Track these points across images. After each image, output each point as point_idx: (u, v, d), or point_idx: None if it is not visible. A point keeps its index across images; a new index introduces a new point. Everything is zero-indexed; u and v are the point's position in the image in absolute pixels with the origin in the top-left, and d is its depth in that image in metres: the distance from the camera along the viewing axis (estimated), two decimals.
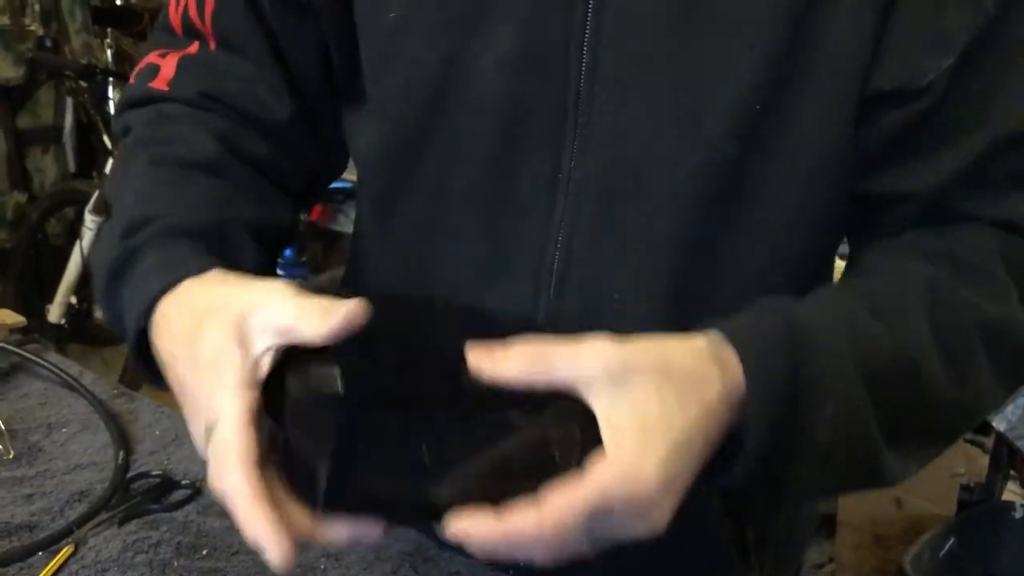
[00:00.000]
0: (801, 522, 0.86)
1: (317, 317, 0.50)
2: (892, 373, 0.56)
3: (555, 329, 0.66)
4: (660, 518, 0.51)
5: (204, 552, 0.77)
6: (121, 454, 0.89)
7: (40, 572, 0.72)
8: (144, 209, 0.63)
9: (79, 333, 2.80)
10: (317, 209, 2.52)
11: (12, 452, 0.89)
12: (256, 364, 0.52)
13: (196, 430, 0.55)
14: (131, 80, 0.76)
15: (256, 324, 0.52)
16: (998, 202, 0.63)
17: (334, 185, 0.85)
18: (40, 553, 0.75)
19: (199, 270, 0.58)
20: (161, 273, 0.59)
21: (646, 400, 0.50)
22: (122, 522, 0.80)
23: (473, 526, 0.48)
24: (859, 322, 0.57)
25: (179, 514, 0.82)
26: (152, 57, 0.76)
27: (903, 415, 0.57)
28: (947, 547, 1.74)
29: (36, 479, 0.85)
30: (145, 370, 0.62)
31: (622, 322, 0.66)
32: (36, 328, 1.57)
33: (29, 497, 0.82)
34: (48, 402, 1.00)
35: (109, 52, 3.01)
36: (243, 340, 0.52)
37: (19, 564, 0.73)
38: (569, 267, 0.67)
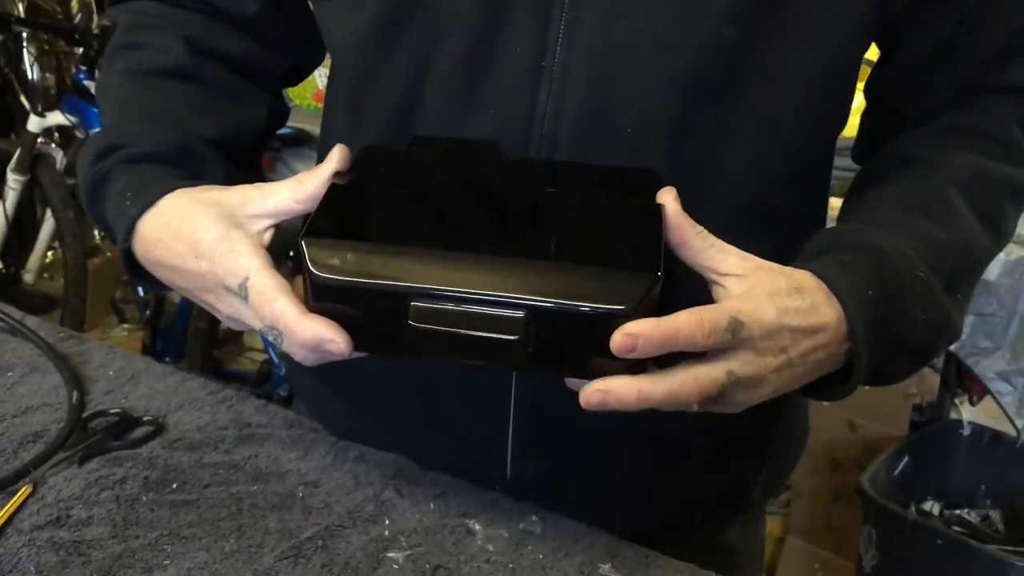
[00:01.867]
0: (803, 413, 0.86)
1: (299, 183, 0.56)
2: (953, 259, 0.63)
3: None
4: (770, 383, 0.55)
5: (174, 486, 0.73)
6: (75, 394, 0.84)
7: None
8: (114, 132, 0.67)
9: (7, 299, 2.68)
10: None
11: None
12: (260, 238, 0.58)
13: (220, 300, 0.60)
14: None
15: (249, 212, 0.59)
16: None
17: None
18: None
19: (167, 190, 0.63)
20: (135, 196, 0.63)
21: (784, 293, 0.55)
22: (83, 460, 0.75)
23: (639, 326, 0.50)
24: (920, 233, 0.62)
25: (143, 450, 0.77)
26: None
27: (965, 284, 0.65)
28: (900, 467, 1.77)
29: None
30: (139, 278, 0.68)
31: None
32: None
33: None
34: None
35: (21, 4, 2.86)
36: (240, 225, 0.58)
37: None
38: (553, 155, 0.64)
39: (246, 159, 0.74)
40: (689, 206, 0.61)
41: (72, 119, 2.50)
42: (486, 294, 0.50)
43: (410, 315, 0.51)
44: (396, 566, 0.65)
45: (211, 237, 0.58)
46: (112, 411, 0.82)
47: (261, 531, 0.68)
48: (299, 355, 0.56)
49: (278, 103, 0.79)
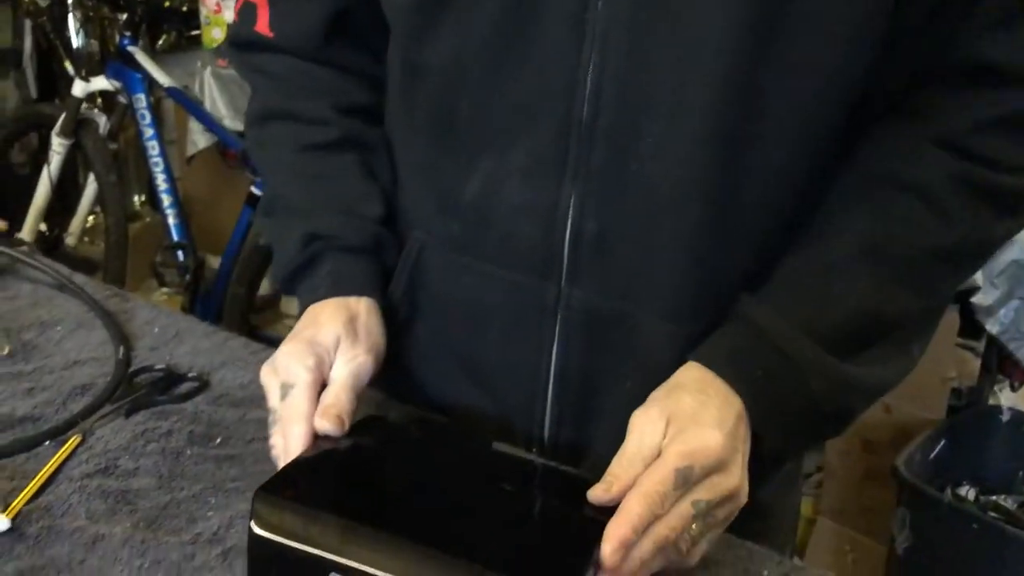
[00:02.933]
0: None
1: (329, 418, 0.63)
2: (853, 325, 0.65)
3: (587, 173, 0.66)
4: (740, 476, 0.59)
5: (218, 441, 0.74)
6: (121, 349, 0.85)
7: (48, 462, 0.69)
8: (315, 218, 0.76)
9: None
10: None
11: (7, 348, 0.85)
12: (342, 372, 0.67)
13: (270, 382, 0.67)
14: (235, 18, 0.82)
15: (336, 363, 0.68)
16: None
17: None
18: (47, 443, 0.71)
19: (356, 294, 0.73)
20: (335, 284, 0.73)
21: (693, 406, 0.61)
22: (129, 413, 0.77)
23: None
24: (812, 303, 0.66)
25: (188, 405, 0.79)
26: None
27: (886, 342, 0.66)
28: (937, 450, 1.75)
29: (34, 374, 0.82)
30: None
31: (652, 166, 0.64)
32: None
33: (29, 391, 0.79)
34: (39, 303, 0.96)
35: None
36: (342, 353, 0.68)
37: (27, 454, 0.70)
38: (598, 111, 0.64)
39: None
40: (730, 164, 0.64)
41: (116, 84, 2.52)
42: None
43: None
44: None
45: (318, 339, 0.68)
46: (157, 367, 0.83)
47: None
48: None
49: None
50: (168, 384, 0.81)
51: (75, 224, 2.75)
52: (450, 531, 0.56)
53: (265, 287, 2.53)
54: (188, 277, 2.46)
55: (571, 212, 0.67)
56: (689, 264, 0.67)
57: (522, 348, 0.72)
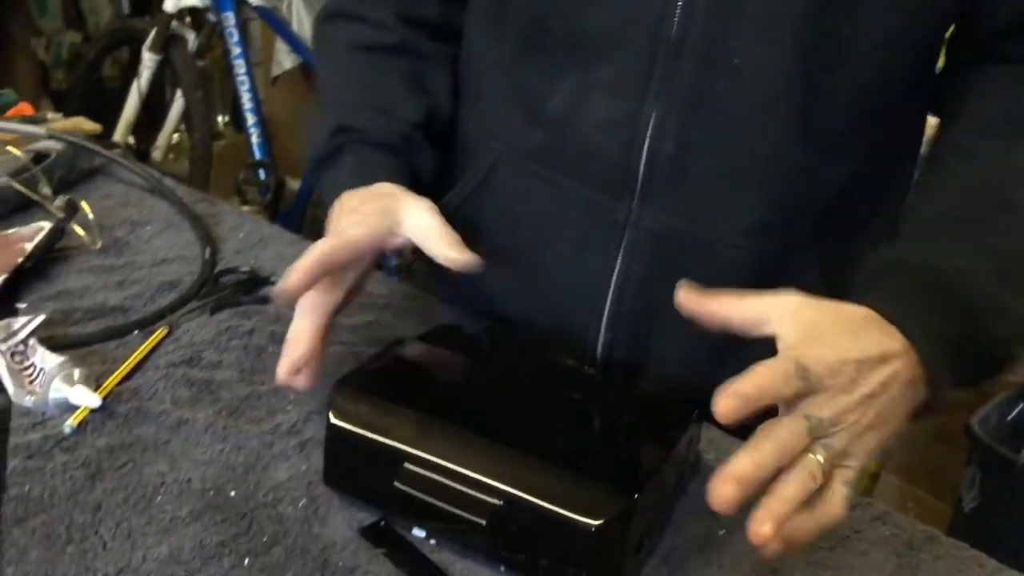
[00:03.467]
0: None
1: (444, 244, 0.65)
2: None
3: (670, 92, 0.65)
4: (864, 426, 0.52)
5: None
6: (208, 250, 0.88)
7: (136, 349, 0.71)
8: (348, 113, 0.77)
9: None
10: None
11: (99, 243, 0.88)
12: (382, 235, 0.66)
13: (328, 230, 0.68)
14: None
15: (402, 216, 0.67)
16: None
17: None
18: (136, 332, 0.74)
19: (380, 180, 0.71)
20: (357, 174, 0.73)
21: (837, 330, 0.54)
22: (214, 310, 0.79)
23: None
24: (980, 243, 0.61)
25: (270, 307, 0.81)
26: None
27: None
28: (1016, 412, 1.71)
29: (125, 269, 0.85)
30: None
31: (737, 85, 0.64)
32: None
33: (120, 284, 0.82)
34: (130, 203, 0.99)
35: None
36: (387, 216, 0.67)
37: (117, 341, 0.73)
38: (687, 29, 0.63)
39: (444, 138, 0.81)
40: (815, 84, 0.63)
41: (205, 1, 2.55)
42: (469, 474, 0.53)
43: (399, 476, 0.55)
44: None
45: (361, 207, 0.68)
46: (242, 269, 0.85)
47: None
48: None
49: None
50: (252, 286, 0.83)
51: (161, 139, 2.81)
52: (520, 430, 0.57)
53: None
54: (269, 196, 2.50)
55: (650, 131, 0.67)
56: (766, 185, 0.67)
57: (585, 264, 0.73)
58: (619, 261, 0.71)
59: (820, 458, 0.51)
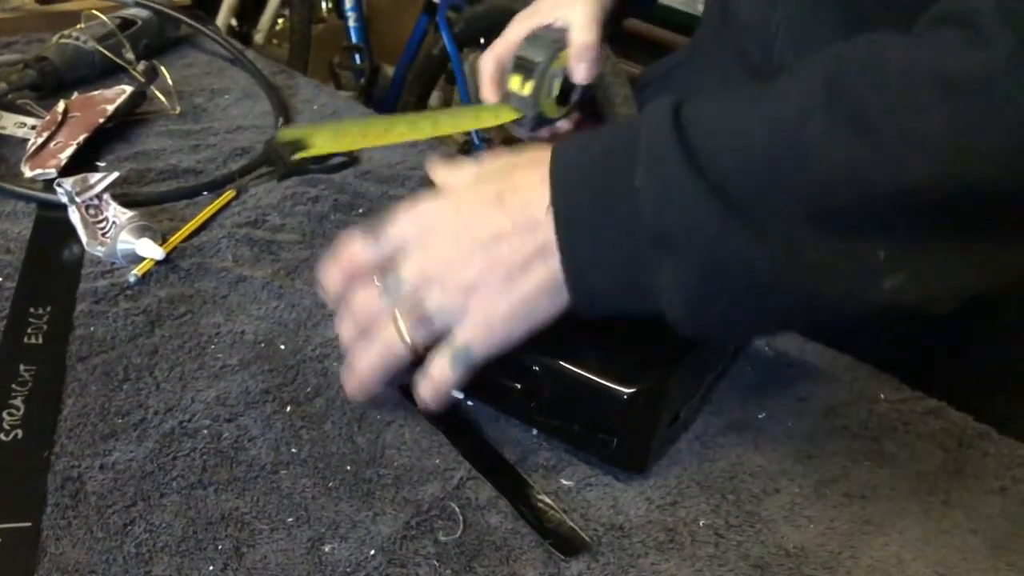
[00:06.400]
0: None
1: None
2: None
3: None
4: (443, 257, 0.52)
5: (360, 211, 0.77)
6: (281, 119, 0.89)
7: (204, 209, 0.74)
8: None
9: None
10: None
11: (178, 108, 0.90)
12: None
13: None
14: None
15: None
16: None
17: None
18: (205, 193, 0.76)
19: None
20: None
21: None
22: (282, 177, 0.80)
23: None
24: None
25: (336, 176, 0.82)
26: None
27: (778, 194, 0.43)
28: None
29: (200, 134, 0.87)
30: None
31: None
32: None
33: (195, 147, 0.84)
34: (211, 72, 1.01)
35: None
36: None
37: (187, 201, 0.75)
38: None
39: None
40: None
41: None
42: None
43: None
44: None
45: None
46: None
47: None
48: None
49: None
50: (320, 156, 0.84)
51: (264, 22, 2.84)
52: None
53: (435, 99, 2.55)
54: (363, 81, 2.51)
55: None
56: None
57: None
58: None
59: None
